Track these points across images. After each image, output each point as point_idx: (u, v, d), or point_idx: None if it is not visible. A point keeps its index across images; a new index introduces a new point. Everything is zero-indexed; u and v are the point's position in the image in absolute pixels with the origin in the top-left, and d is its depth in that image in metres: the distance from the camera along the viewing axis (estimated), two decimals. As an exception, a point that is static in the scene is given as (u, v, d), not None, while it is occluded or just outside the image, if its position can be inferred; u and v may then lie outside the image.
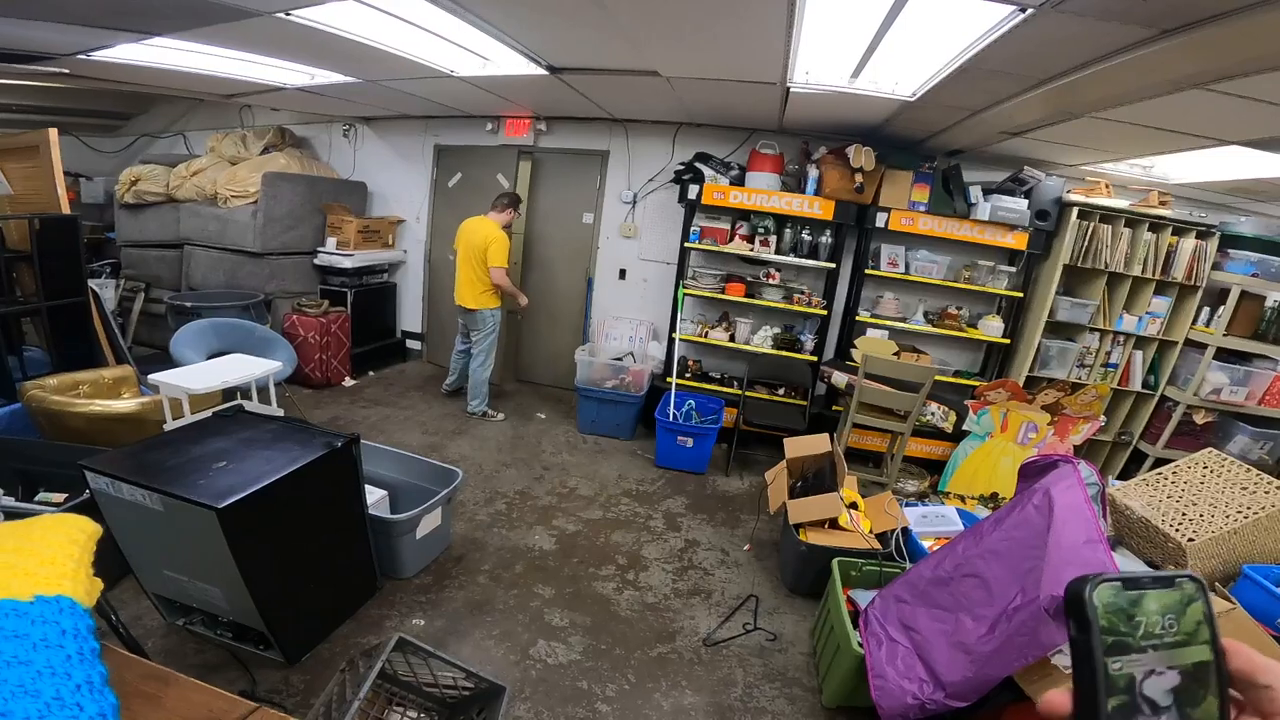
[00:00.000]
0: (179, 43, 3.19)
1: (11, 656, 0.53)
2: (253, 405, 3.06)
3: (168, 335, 4.13)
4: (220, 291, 5.02)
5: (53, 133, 3.56)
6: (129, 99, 5.66)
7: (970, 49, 2.29)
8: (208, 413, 2.50)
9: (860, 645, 2.14)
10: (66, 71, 3.89)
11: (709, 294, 4.63)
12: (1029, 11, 1.87)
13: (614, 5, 2.35)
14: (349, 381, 5.25)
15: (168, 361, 3.54)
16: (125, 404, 3.01)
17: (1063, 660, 1.80)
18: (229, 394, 3.08)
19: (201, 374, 3.00)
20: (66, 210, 3.62)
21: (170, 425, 2.70)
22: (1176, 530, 2.30)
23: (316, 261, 5.38)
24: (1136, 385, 4.28)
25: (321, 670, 2.18)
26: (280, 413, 3.04)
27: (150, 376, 2.91)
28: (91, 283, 3.75)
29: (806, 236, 4.45)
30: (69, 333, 3.45)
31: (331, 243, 5.31)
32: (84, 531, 0.65)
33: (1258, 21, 1.67)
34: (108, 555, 1.15)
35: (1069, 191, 4.12)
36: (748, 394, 4.42)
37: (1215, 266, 4.03)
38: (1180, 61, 2.06)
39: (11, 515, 1.90)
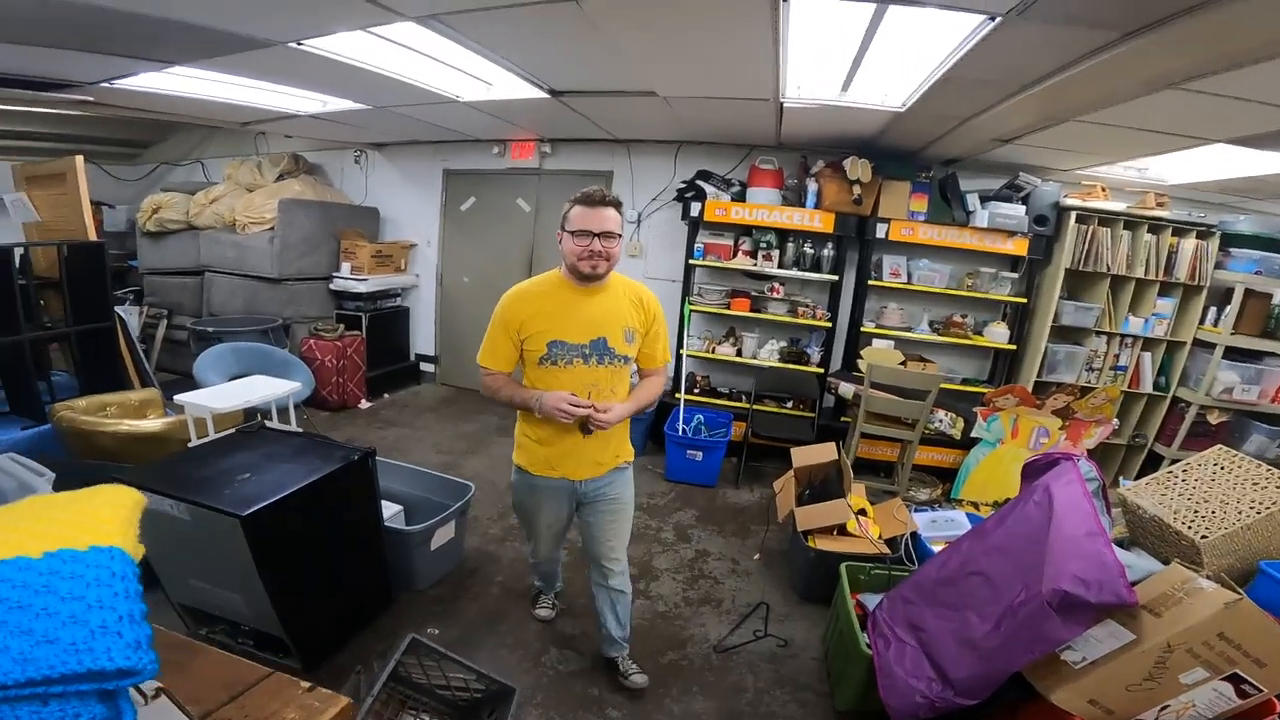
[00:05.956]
0: (198, 71, 3.34)
1: (68, 593, 0.63)
2: (273, 424, 3.15)
3: (189, 362, 4.25)
4: (240, 317, 5.17)
5: (79, 160, 3.66)
6: (148, 127, 5.83)
7: (950, 58, 2.37)
8: (231, 431, 2.59)
9: (868, 647, 2.16)
10: (91, 99, 4.04)
11: (715, 310, 4.70)
12: (997, 20, 1.95)
13: (608, 28, 2.46)
14: (365, 404, 5.35)
15: (190, 386, 3.64)
16: (152, 424, 3.11)
17: (1071, 656, 1.80)
18: (250, 415, 3.17)
19: (224, 394, 3.10)
20: (94, 237, 3.71)
21: (195, 444, 2.79)
22: (1189, 528, 2.29)
23: (332, 286, 5.53)
24: (1147, 387, 4.27)
25: (339, 678, 2.21)
26: (300, 430, 3.12)
27: (175, 397, 3.01)
28: (116, 309, 3.87)
29: (809, 250, 4.51)
30: (97, 357, 3.54)
31: (346, 268, 5.46)
32: (131, 498, 0.77)
33: (1208, 19, 1.73)
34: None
35: (1066, 196, 4.15)
36: (756, 407, 4.46)
37: (1218, 266, 4.04)
38: (1148, 62, 2.13)
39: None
